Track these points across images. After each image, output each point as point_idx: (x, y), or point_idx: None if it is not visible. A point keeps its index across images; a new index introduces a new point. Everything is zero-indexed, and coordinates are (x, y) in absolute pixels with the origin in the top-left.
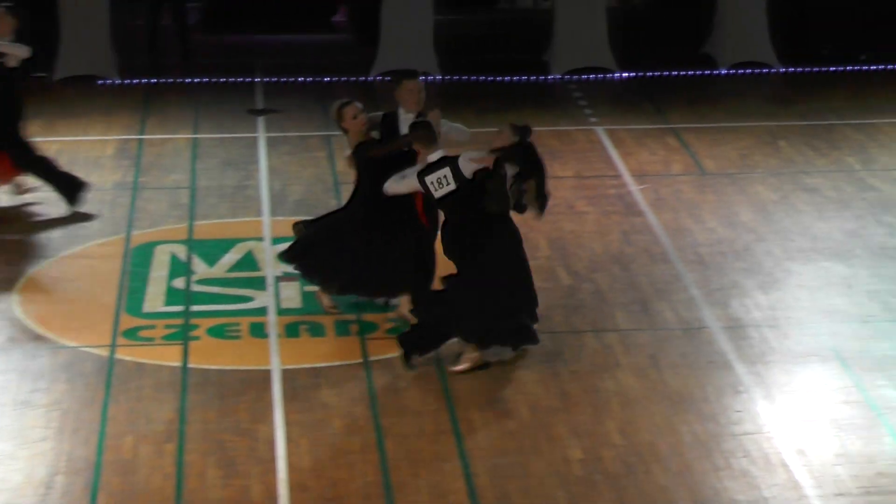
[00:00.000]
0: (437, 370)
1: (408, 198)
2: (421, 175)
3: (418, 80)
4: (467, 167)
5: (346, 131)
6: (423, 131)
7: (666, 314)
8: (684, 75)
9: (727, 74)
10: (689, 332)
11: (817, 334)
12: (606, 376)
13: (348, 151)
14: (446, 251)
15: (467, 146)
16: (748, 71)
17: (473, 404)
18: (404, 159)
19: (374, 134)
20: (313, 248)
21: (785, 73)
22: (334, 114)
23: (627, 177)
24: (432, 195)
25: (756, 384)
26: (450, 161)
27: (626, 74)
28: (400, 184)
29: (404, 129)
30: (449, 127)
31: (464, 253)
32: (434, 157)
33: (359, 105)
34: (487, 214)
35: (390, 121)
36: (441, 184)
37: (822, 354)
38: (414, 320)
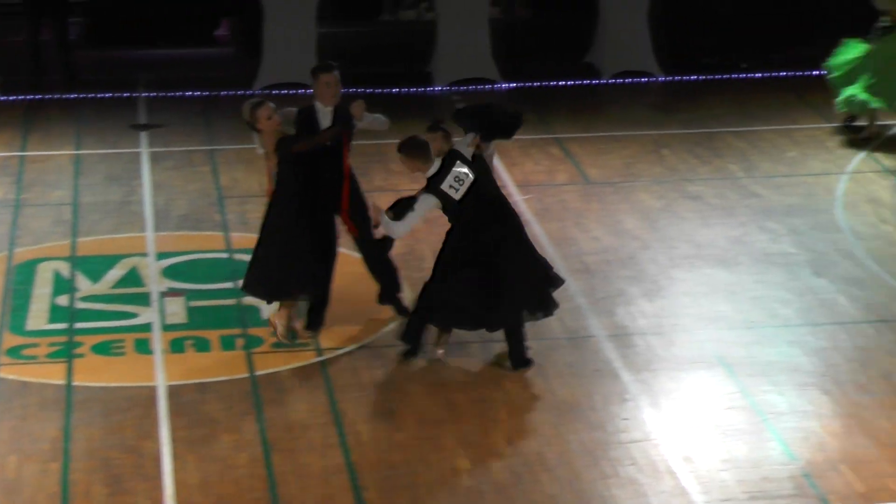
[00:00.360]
0: (325, 384)
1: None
2: (436, 188)
3: (334, 74)
4: (468, 152)
5: (259, 132)
6: (420, 150)
7: (552, 323)
8: (567, 85)
9: (610, 84)
10: (575, 340)
11: (702, 341)
12: (493, 386)
13: (262, 150)
14: (456, 252)
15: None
16: (631, 80)
17: (361, 417)
18: (329, 150)
19: (289, 130)
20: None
21: (667, 81)
22: (247, 115)
23: (512, 187)
24: (454, 201)
25: (642, 392)
26: (452, 157)
27: (510, 85)
28: (414, 219)
29: (324, 122)
30: (372, 118)
31: (480, 248)
32: (434, 167)
33: (271, 105)
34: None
35: (307, 115)
36: (460, 182)
37: (707, 361)
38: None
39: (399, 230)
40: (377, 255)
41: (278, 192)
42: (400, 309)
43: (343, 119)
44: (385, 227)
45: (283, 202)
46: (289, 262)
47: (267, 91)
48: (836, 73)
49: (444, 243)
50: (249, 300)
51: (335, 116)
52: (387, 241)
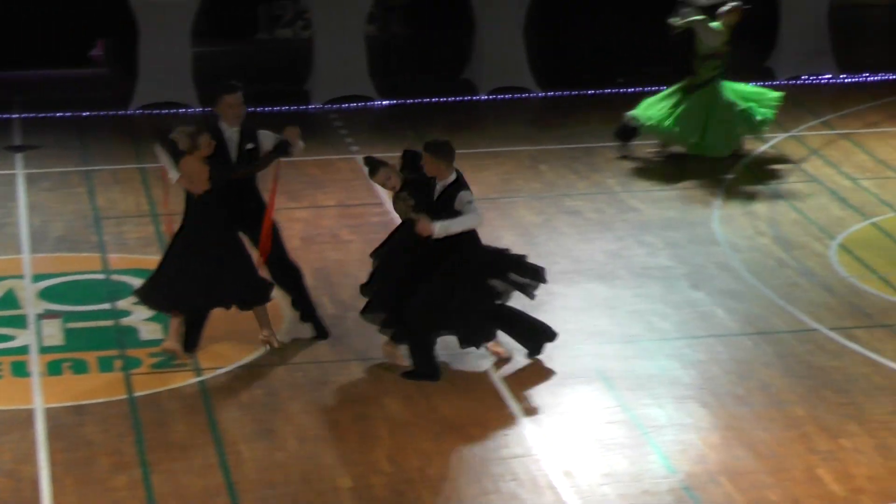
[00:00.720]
0: (204, 403)
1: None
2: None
3: (238, 95)
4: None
5: (181, 157)
6: (448, 154)
7: None
8: (445, 102)
9: (487, 100)
10: (455, 357)
11: (582, 356)
12: (374, 404)
13: (176, 175)
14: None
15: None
16: (508, 96)
17: (241, 437)
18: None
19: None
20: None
21: (544, 97)
22: (186, 143)
23: (390, 204)
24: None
25: (523, 408)
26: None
27: (387, 102)
28: (473, 219)
29: (231, 144)
30: (271, 139)
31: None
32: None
33: (208, 133)
34: None
35: (215, 136)
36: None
37: (587, 376)
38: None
39: (471, 221)
40: (291, 280)
41: (196, 215)
42: (319, 329)
43: (249, 137)
44: (445, 229)
45: (199, 225)
46: (189, 279)
47: (143, 111)
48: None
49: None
50: (128, 321)
51: (242, 137)
52: (295, 272)
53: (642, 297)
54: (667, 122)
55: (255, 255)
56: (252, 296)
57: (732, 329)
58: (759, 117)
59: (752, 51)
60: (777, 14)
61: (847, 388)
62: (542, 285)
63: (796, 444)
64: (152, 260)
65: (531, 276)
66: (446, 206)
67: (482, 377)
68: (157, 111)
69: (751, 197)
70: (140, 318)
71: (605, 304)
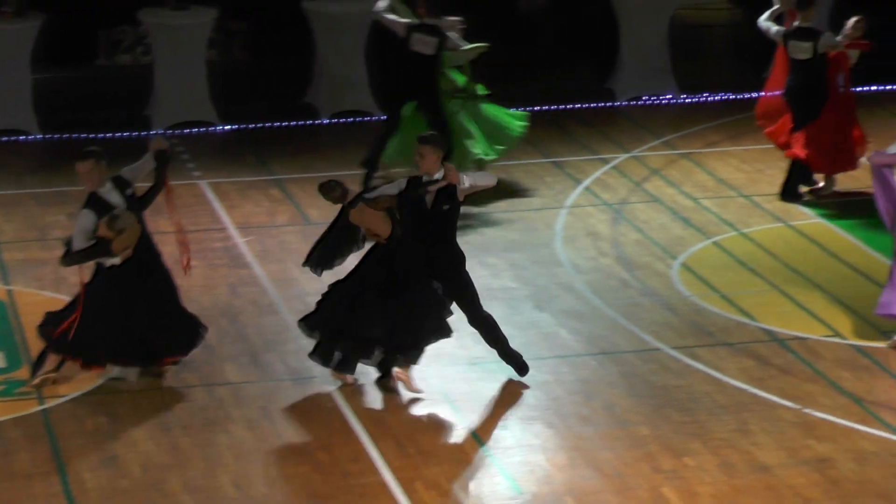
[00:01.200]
0: (47, 432)
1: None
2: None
3: (88, 161)
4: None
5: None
6: (443, 149)
7: (276, 365)
8: (287, 126)
9: (329, 124)
10: (299, 381)
11: (427, 378)
12: (219, 430)
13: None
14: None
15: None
16: (350, 120)
17: (85, 465)
18: None
19: None
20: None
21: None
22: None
23: (233, 229)
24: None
25: (369, 430)
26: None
27: (229, 127)
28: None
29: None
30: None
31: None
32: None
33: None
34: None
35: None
36: None
37: (432, 398)
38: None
39: (489, 178)
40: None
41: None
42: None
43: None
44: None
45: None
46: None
47: None
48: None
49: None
50: None
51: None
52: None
53: None
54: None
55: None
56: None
57: (576, 349)
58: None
59: (592, 72)
60: (617, 35)
61: (690, 407)
62: None
63: (641, 463)
64: None
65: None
66: (451, 195)
67: (327, 401)
68: None
69: (593, 218)
70: None
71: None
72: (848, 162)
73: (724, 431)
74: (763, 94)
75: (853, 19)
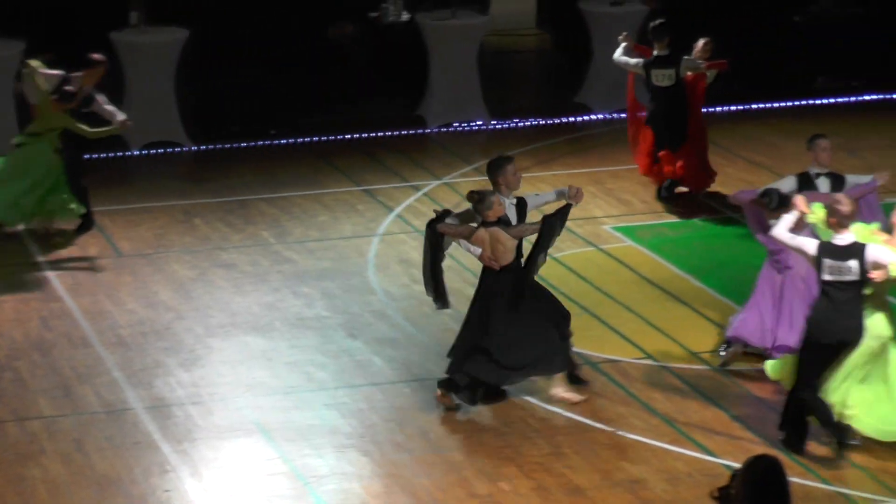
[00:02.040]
0: None
1: None
2: None
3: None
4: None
5: None
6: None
7: (89, 398)
8: (97, 158)
9: (140, 155)
10: (113, 414)
11: (241, 408)
12: (31, 464)
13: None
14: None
15: None
16: (160, 151)
17: None
18: None
19: None
20: None
21: (196, 151)
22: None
23: (43, 262)
24: None
25: (183, 462)
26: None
27: None
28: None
29: None
30: None
31: None
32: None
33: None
34: None
35: None
36: None
37: (246, 428)
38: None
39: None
40: None
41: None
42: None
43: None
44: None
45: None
46: None
47: None
48: None
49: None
50: None
51: None
52: None
53: (299, 347)
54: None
55: None
56: None
57: (390, 377)
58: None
59: (402, 99)
60: (426, 62)
61: (504, 432)
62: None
63: (456, 488)
64: None
65: None
66: (522, 213)
67: (140, 433)
68: None
69: (405, 245)
70: None
71: (263, 356)
72: (711, 176)
73: (539, 455)
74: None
75: (701, 41)
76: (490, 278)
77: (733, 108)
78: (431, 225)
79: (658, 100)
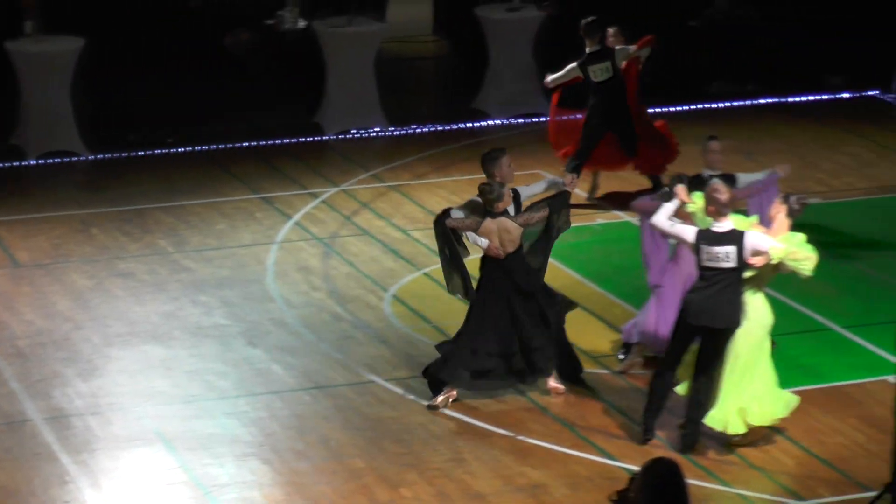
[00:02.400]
0: None
1: None
2: None
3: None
4: None
5: None
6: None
7: None
8: None
9: (36, 165)
10: (12, 425)
11: (141, 418)
12: None
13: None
14: None
15: None
16: (57, 160)
17: None
18: None
19: None
20: None
21: (93, 159)
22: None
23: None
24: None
25: (82, 473)
26: None
27: None
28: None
29: None
30: None
31: None
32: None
33: None
34: None
35: None
36: None
37: (146, 438)
38: None
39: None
40: None
41: None
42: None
43: None
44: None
45: None
46: None
47: None
48: None
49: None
50: None
51: None
52: None
53: (199, 356)
54: None
55: None
56: None
57: (290, 384)
58: None
59: (300, 107)
60: (323, 69)
61: (405, 438)
62: None
63: (357, 495)
64: None
65: None
66: (518, 204)
67: (40, 445)
68: None
69: (304, 253)
70: None
71: (162, 366)
72: (672, 153)
73: (439, 461)
74: (550, 120)
75: (610, 30)
76: (496, 270)
77: None
78: (440, 221)
79: (599, 94)
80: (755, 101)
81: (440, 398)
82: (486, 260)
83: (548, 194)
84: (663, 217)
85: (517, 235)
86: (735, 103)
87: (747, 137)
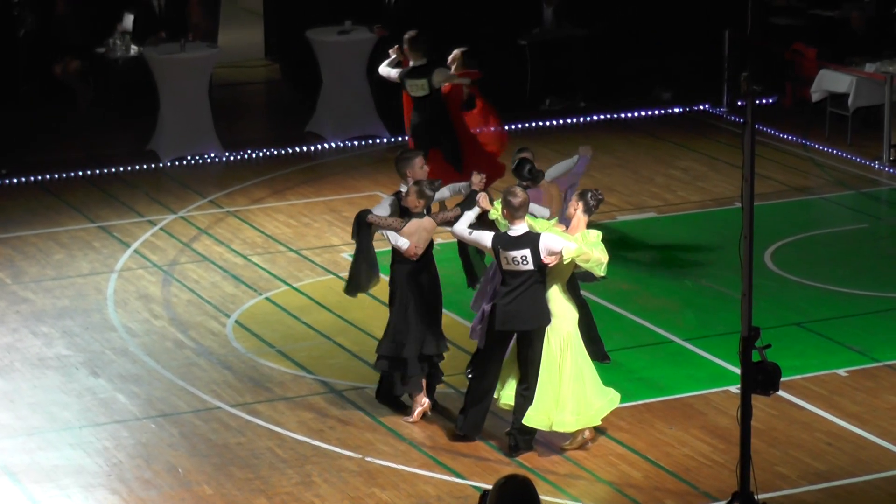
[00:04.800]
0: None
1: None
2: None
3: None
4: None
5: None
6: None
7: None
8: None
9: None
10: None
11: None
12: None
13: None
14: None
15: None
16: None
17: None
18: None
19: None
20: None
21: None
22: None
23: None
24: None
25: None
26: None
27: None
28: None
29: None
30: None
31: None
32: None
33: None
34: None
35: None
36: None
37: None
38: None
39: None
40: None
41: None
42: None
43: None
44: None
45: None
46: None
47: None
48: None
49: None
50: None
51: None
52: None
53: (41, 388)
54: None
55: None
56: None
57: (135, 413)
58: None
59: (134, 134)
60: (156, 95)
61: (253, 463)
62: None
63: None
64: None
65: None
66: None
67: None
68: None
69: (144, 280)
70: None
71: (4, 398)
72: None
73: (288, 485)
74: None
75: (455, 52)
76: (408, 273)
77: None
78: (360, 216)
79: (417, 110)
80: (587, 118)
81: (414, 415)
82: (398, 259)
83: (458, 199)
84: (463, 225)
85: (430, 236)
86: (568, 120)
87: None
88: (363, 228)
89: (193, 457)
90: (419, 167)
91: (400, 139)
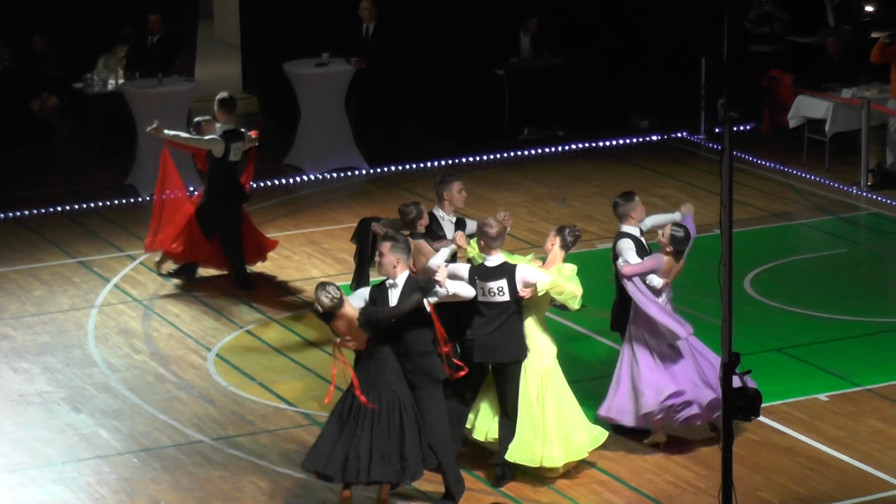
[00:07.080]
0: None
1: None
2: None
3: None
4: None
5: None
6: None
7: None
8: None
9: None
10: None
11: None
12: None
13: None
14: None
15: None
16: None
17: None
18: None
19: None
20: None
21: None
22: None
23: None
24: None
25: None
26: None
27: None
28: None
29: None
30: None
31: None
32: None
33: None
34: None
35: None
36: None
37: None
38: None
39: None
40: None
41: None
42: None
43: None
44: None
45: None
46: None
47: None
48: None
49: None
50: None
51: None
52: None
53: (23, 424)
54: None
55: None
56: None
57: (117, 448)
58: None
59: (113, 169)
60: (135, 131)
61: (236, 497)
62: None
63: None
64: None
65: None
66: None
67: None
68: None
69: (125, 315)
70: None
71: None
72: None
73: None
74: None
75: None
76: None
77: (444, 161)
78: (366, 220)
79: (229, 172)
80: (565, 147)
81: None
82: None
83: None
84: (440, 260)
85: (428, 258)
86: (546, 149)
87: (560, 183)
88: (365, 232)
89: (176, 491)
90: (457, 191)
91: (379, 170)
